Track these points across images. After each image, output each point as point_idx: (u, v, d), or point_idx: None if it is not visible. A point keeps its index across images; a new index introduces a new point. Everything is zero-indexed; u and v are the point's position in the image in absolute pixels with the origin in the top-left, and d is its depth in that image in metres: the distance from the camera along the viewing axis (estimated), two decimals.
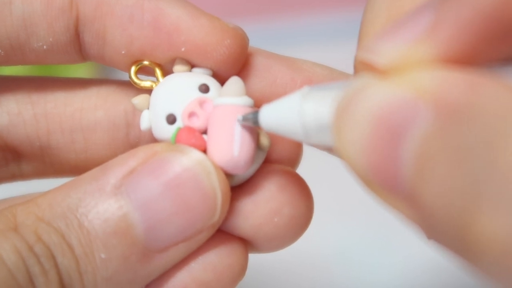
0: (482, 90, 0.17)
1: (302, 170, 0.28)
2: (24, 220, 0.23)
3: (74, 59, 0.28)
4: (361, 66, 0.20)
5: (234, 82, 0.25)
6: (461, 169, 0.17)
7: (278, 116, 0.23)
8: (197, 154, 0.25)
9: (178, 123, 0.26)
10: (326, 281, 0.50)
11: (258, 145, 0.26)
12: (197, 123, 0.25)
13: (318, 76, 0.28)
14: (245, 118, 0.25)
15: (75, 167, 0.29)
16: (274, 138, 0.27)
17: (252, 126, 0.25)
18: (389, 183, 0.19)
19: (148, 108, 0.27)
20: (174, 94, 0.26)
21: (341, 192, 0.51)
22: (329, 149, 0.25)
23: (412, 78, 0.19)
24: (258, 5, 0.68)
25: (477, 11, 0.18)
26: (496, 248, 0.16)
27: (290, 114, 0.22)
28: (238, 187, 0.26)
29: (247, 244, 0.27)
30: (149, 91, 0.27)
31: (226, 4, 0.63)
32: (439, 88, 0.18)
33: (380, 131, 0.19)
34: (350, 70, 0.28)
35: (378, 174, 0.19)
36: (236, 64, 0.27)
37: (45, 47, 0.27)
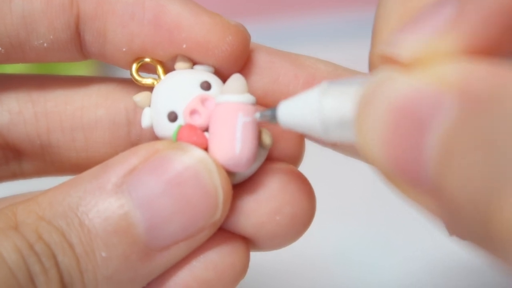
0: (506, 80, 0.17)
1: (303, 169, 0.28)
2: (25, 219, 0.23)
3: (74, 57, 0.28)
4: (380, 61, 0.20)
5: (236, 79, 0.25)
6: (486, 159, 0.17)
7: (296, 113, 0.23)
8: (198, 152, 0.24)
9: (180, 121, 0.26)
10: (326, 281, 0.50)
11: (260, 143, 0.25)
12: (199, 121, 0.25)
13: (322, 73, 0.28)
14: (262, 115, 0.24)
15: (76, 166, 0.29)
16: (276, 136, 0.26)
17: (270, 123, 0.24)
18: (412, 175, 0.19)
19: (149, 106, 0.26)
20: (176, 92, 0.26)
21: (342, 191, 0.51)
22: (344, 149, 0.25)
23: (435, 70, 0.19)
24: (259, 5, 0.68)
25: (500, 2, 0.18)
26: None
27: (308, 110, 0.22)
28: (240, 185, 0.26)
29: (248, 243, 0.27)
30: (150, 88, 0.27)
31: (227, 4, 0.63)
32: (463, 79, 0.18)
33: (404, 123, 0.19)
34: (353, 69, 0.28)
35: (401, 167, 0.19)
36: (238, 61, 0.27)
37: (45, 44, 0.27)
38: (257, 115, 0.24)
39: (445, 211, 0.18)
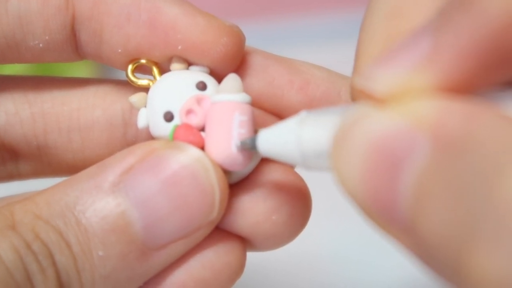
0: (479, 121, 0.17)
1: (299, 168, 0.28)
2: (22, 218, 0.23)
3: (70, 57, 0.28)
4: (358, 94, 0.20)
5: (232, 78, 0.25)
6: (458, 204, 0.17)
7: (275, 142, 0.23)
8: (195, 151, 0.25)
9: (176, 121, 0.26)
10: (323, 280, 0.50)
11: None
12: (195, 120, 0.25)
13: (316, 79, 0.28)
14: (243, 143, 0.25)
15: (72, 167, 0.29)
16: None
17: (250, 151, 0.25)
18: (387, 213, 0.19)
19: (145, 106, 0.27)
20: (172, 92, 0.26)
21: (338, 190, 0.51)
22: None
23: (410, 108, 0.19)
24: (255, 5, 0.69)
25: (475, 38, 0.18)
26: (490, 287, 0.16)
27: (287, 140, 0.22)
28: (236, 185, 0.26)
29: (245, 242, 0.27)
30: (146, 89, 0.27)
31: (224, 5, 0.63)
32: (436, 119, 0.18)
33: (378, 162, 0.18)
34: (347, 71, 0.28)
35: (376, 204, 0.19)
36: (233, 62, 0.27)
37: (41, 45, 0.27)
38: (238, 143, 0.25)
39: (418, 249, 0.18)
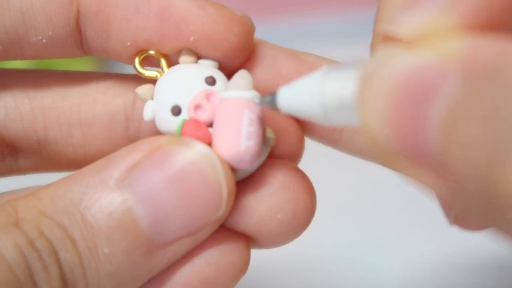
0: (509, 52, 0.17)
1: (301, 167, 0.28)
2: (26, 215, 0.23)
3: (74, 53, 0.28)
4: (382, 40, 0.20)
5: (242, 75, 0.25)
6: (490, 130, 0.17)
7: (296, 97, 0.22)
8: (202, 147, 0.24)
9: (183, 115, 0.25)
10: (325, 279, 0.50)
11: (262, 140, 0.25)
12: (203, 116, 0.25)
13: None
14: (262, 101, 0.24)
15: (73, 162, 0.29)
16: (276, 132, 0.26)
17: (270, 108, 0.24)
18: (415, 150, 0.18)
19: (152, 99, 0.26)
20: (180, 85, 0.26)
21: (340, 190, 0.51)
22: (345, 147, 0.25)
23: (439, 45, 0.19)
24: (257, 5, 0.68)
25: None
26: None
27: (309, 93, 0.22)
28: (241, 183, 0.26)
29: (249, 240, 0.26)
30: (153, 81, 0.27)
31: (229, 5, 0.63)
32: (467, 52, 0.18)
33: (406, 97, 0.18)
34: None
35: (403, 142, 0.19)
36: (243, 53, 0.27)
37: (44, 41, 0.27)
38: (257, 100, 0.24)
39: (447, 186, 0.18)
